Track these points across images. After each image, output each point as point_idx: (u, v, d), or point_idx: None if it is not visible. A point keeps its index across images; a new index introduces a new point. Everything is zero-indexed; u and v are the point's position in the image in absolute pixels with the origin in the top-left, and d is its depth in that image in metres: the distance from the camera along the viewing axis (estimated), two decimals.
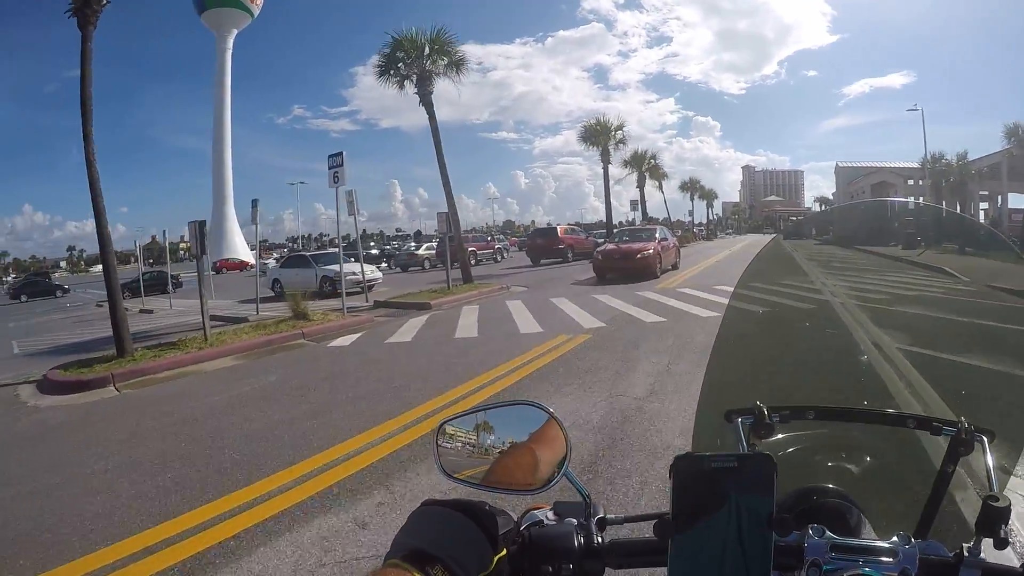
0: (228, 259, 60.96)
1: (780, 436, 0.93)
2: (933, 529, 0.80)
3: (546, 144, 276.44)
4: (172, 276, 27.52)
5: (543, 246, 26.06)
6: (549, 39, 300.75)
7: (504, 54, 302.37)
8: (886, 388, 1.08)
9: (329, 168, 12.08)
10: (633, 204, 36.03)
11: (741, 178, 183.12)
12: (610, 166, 32.75)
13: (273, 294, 19.14)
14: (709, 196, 67.49)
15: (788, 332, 1.31)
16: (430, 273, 26.62)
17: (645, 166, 41.07)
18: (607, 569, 0.68)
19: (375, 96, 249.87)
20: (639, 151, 41.14)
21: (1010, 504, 0.64)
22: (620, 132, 32.61)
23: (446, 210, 16.39)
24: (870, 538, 0.70)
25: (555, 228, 28.60)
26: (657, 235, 17.48)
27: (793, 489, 0.86)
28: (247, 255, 65.39)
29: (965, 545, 0.63)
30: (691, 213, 63.52)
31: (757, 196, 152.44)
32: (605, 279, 15.38)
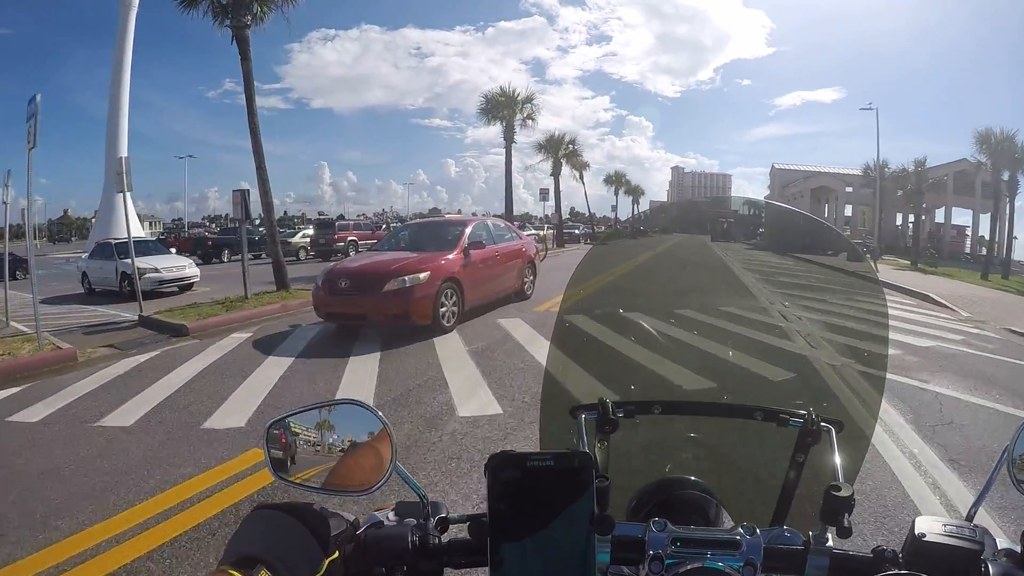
0: None
1: (638, 430, 0.90)
2: (796, 519, 0.78)
3: (479, 134, 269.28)
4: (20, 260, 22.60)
5: None
6: (490, 29, 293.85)
7: (443, 40, 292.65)
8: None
9: (26, 120, 7.80)
10: (543, 193, 30.29)
11: (670, 178, 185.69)
12: (526, 152, 28.49)
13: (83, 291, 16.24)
14: (635, 192, 64.11)
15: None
16: (303, 265, 22.75)
17: (562, 151, 35.48)
18: (454, 570, 0.66)
19: (308, 75, 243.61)
20: (556, 134, 35.73)
21: (853, 494, 0.66)
22: (528, 106, 27.51)
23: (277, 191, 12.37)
24: (713, 529, 0.70)
25: (442, 216, 24.34)
26: (466, 237, 8.70)
27: (652, 481, 0.84)
28: (138, 235, 58.73)
29: (812, 533, 0.64)
30: (615, 208, 60.56)
31: (685, 196, 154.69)
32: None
